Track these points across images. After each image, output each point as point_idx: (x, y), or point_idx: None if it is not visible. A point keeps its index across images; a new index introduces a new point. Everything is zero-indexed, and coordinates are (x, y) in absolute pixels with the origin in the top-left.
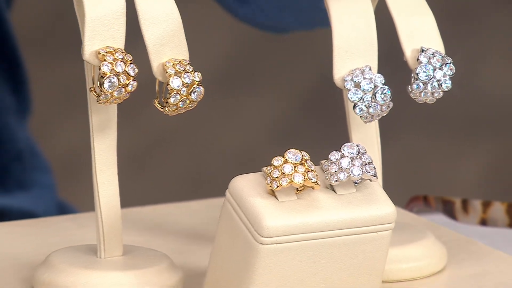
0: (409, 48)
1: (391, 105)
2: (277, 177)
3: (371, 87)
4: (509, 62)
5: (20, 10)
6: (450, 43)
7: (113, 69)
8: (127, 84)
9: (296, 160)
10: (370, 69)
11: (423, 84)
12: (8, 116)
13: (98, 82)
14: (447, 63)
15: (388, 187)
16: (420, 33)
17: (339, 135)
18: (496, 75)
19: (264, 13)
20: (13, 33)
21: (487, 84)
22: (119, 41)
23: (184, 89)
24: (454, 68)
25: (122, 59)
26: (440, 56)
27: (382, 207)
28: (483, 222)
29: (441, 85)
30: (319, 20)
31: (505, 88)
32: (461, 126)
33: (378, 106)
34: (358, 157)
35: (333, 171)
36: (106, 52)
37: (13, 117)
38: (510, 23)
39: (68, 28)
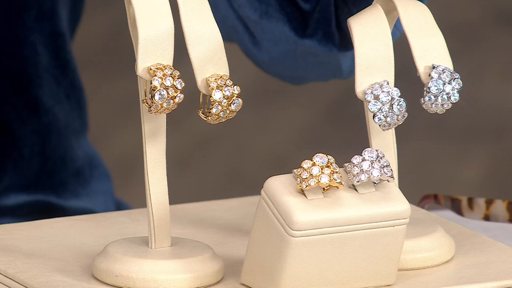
0: (422, 65)
1: (406, 115)
2: (306, 178)
3: (388, 99)
4: (506, 78)
5: (78, 33)
6: (458, 60)
7: (162, 83)
8: (175, 96)
9: (323, 163)
10: (388, 83)
11: (434, 97)
12: (73, 138)
13: (150, 95)
14: (455, 78)
15: (403, 187)
16: (431, 51)
17: (360, 141)
18: (495, 88)
19: (284, 66)
20: (75, 62)
21: (487, 96)
22: (168, 59)
23: (224, 100)
24: (461, 83)
25: (170, 74)
26: (449, 72)
27: (398, 204)
28: (486, 218)
29: (450, 98)
30: (335, 73)
31: (503, 100)
32: (466, 133)
33: (395, 116)
34: (377, 161)
35: (355, 172)
36: (157, 68)
37: (76, 137)
38: (506, 43)
39: (121, 48)
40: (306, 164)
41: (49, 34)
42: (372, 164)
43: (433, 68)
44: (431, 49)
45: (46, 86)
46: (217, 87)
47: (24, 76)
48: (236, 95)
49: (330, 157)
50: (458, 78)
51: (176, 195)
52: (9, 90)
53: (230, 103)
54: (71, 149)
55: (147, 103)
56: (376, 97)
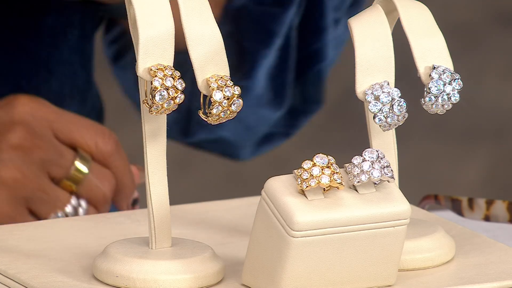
0: (422, 66)
1: (406, 116)
2: (307, 178)
3: (389, 100)
4: (506, 78)
5: None
6: (458, 60)
7: (163, 83)
8: (175, 97)
9: (323, 163)
10: (388, 84)
11: (435, 97)
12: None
13: (150, 95)
14: (456, 79)
15: (403, 187)
16: (431, 52)
17: (360, 142)
18: (495, 89)
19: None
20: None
21: (487, 97)
22: (168, 59)
23: (225, 101)
24: (461, 83)
25: (171, 75)
26: (450, 73)
27: (399, 204)
28: (487, 218)
29: (450, 98)
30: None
31: (503, 100)
32: (466, 133)
33: (395, 116)
34: (377, 161)
35: (355, 173)
36: (157, 69)
37: None
38: (506, 43)
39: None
40: (306, 164)
41: (89, 55)
42: (372, 164)
43: (434, 68)
44: (431, 50)
45: (76, 107)
46: (218, 88)
47: (60, 95)
48: (236, 95)
49: (330, 157)
50: (458, 79)
51: (177, 196)
52: None
53: (231, 104)
54: None
55: (147, 103)
56: (377, 98)
